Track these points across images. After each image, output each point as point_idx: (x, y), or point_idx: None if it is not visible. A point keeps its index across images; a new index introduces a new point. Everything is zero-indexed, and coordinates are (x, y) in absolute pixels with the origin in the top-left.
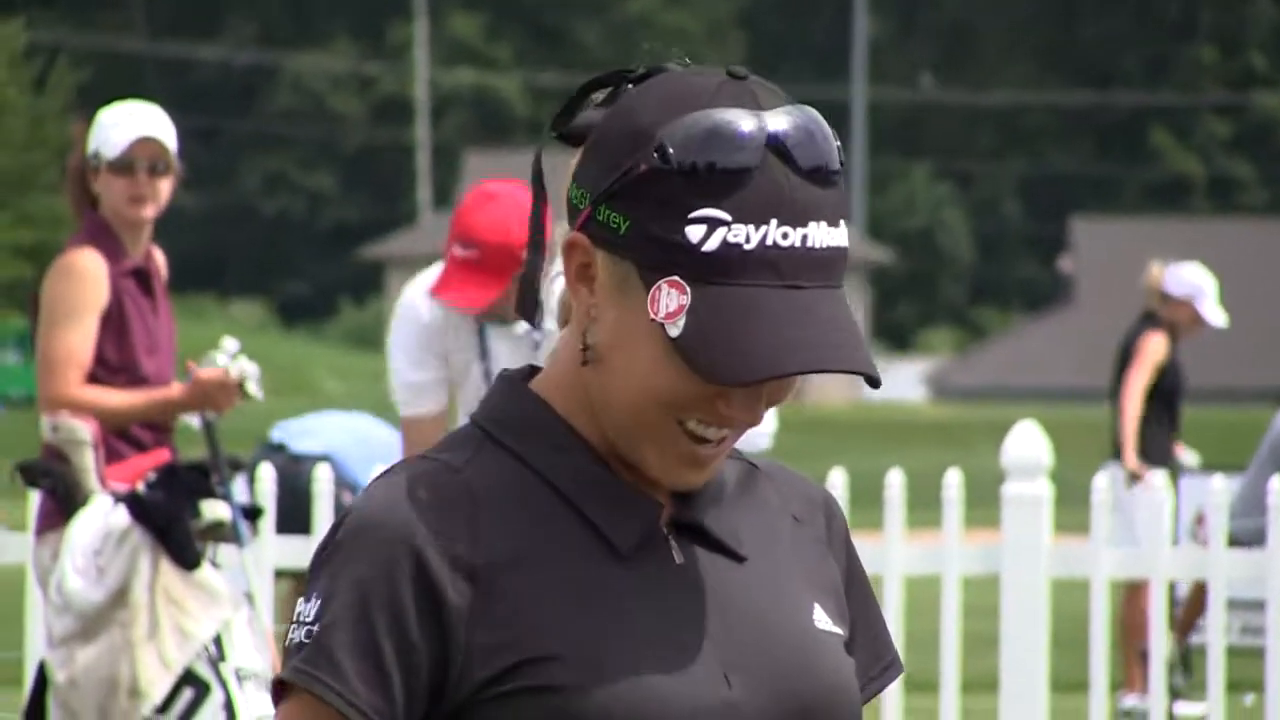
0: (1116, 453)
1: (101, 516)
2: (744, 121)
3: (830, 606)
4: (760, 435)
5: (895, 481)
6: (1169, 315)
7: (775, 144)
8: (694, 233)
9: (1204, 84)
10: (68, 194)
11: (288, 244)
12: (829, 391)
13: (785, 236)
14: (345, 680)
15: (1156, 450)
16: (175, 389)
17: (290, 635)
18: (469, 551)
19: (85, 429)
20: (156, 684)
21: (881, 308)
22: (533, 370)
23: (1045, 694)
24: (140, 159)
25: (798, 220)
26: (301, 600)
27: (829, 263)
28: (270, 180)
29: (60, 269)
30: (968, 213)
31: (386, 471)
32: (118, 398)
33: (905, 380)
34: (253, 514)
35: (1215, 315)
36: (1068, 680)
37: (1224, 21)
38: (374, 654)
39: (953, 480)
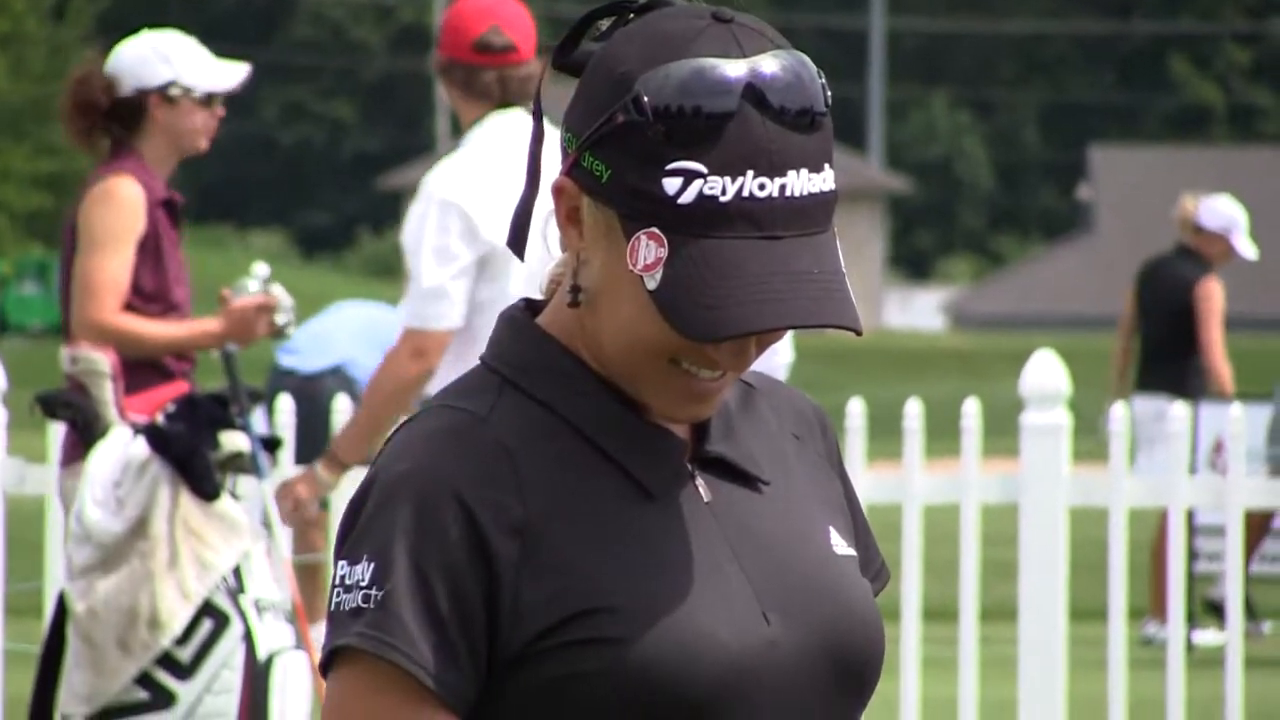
0: (1140, 385)
1: (121, 447)
2: (720, 70)
3: (841, 526)
4: (777, 367)
5: (914, 411)
6: (1202, 248)
7: (753, 91)
8: (670, 185)
9: (1224, 12)
10: (72, 120)
11: (307, 174)
12: None
13: (762, 188)
14: (417, 650)
15: (1193, 381)
16: (213, 320)
17: (339, 598)
18: (513, 506)
19: (104, 360)
20: (176, 615)
21: (900, 236)
22: (529, 304)
23: (1064, 622)
24: (220, 94)
25: (775, 169)
26: (344, 562)
27: (810, 210)
28: (289, 110)
29: (100, 195)
30: (987, 141)
31: (413, 421)
32: (156, 327)
33: (924, 309)
34: (272, 445)
35: (1248, 248)
36: (1086, 608)
37: None
38: (440, 623)
39: (971, 409)
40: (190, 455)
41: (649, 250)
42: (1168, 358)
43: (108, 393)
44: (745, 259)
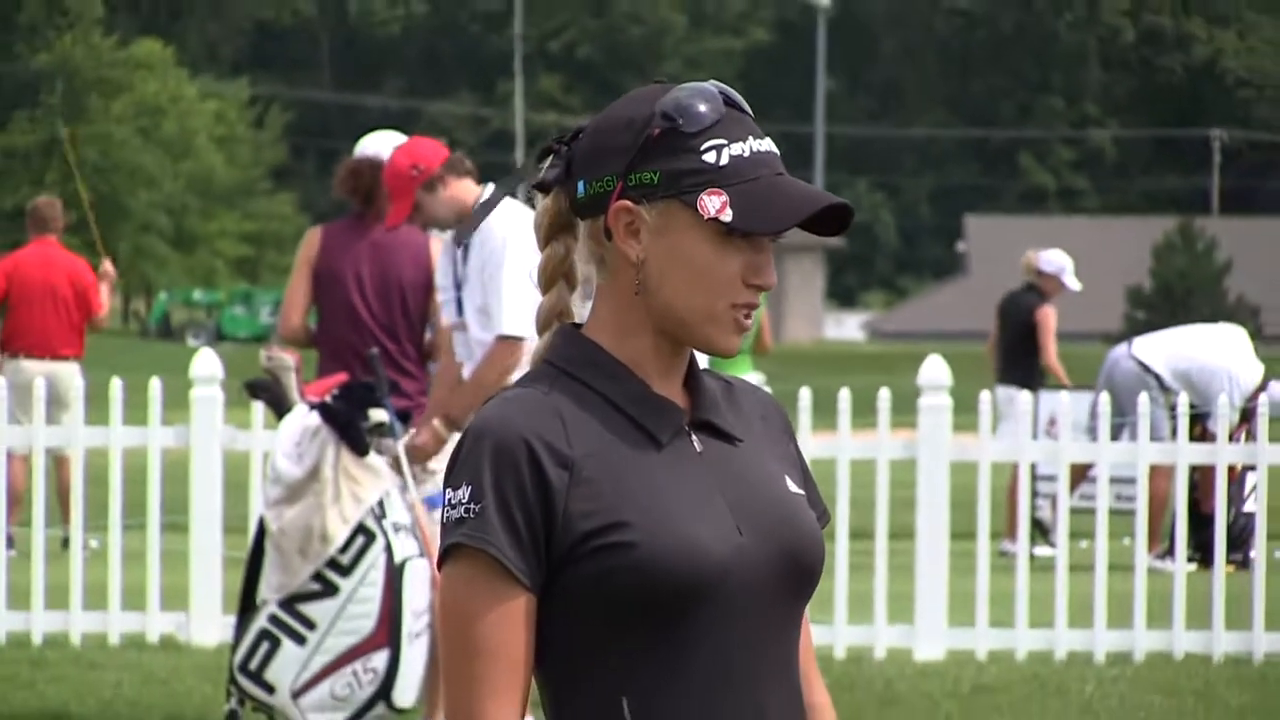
0: (999, 378)
1: (301, 418)
2: (705, 85)
3: (795, 476)
4: (750, 379)
5: (844, 396)
6: (1042, 285)
7: (723, 94)
8: (710, 157)
9: (1057, 123)
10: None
11: None
12: (799, 333)
13: (761, 145)
14: (503, 545)
15: (1035, 377)
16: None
17: (448, 514)
18: (563, 448)
19: (290, 359)
20: (338, 533)
21: (835, 276)
22: (576, 325)
23: (947, 541)
24: None
25: (757, 135)
26: (449, 489)
27: (778, 159)
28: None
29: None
30: (894, 211)
31: (498, 394)
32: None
33: (851, 327)
34: (405, 418)
35: (1074, 283)
36: (962, 531)
37: (1069, 81)
38: (514, 527)
39: (884, 395)
40: (349, 424)
41: (714, 201)
42: (1016, 361)
43: (292, 381)
44: (775, 185)
